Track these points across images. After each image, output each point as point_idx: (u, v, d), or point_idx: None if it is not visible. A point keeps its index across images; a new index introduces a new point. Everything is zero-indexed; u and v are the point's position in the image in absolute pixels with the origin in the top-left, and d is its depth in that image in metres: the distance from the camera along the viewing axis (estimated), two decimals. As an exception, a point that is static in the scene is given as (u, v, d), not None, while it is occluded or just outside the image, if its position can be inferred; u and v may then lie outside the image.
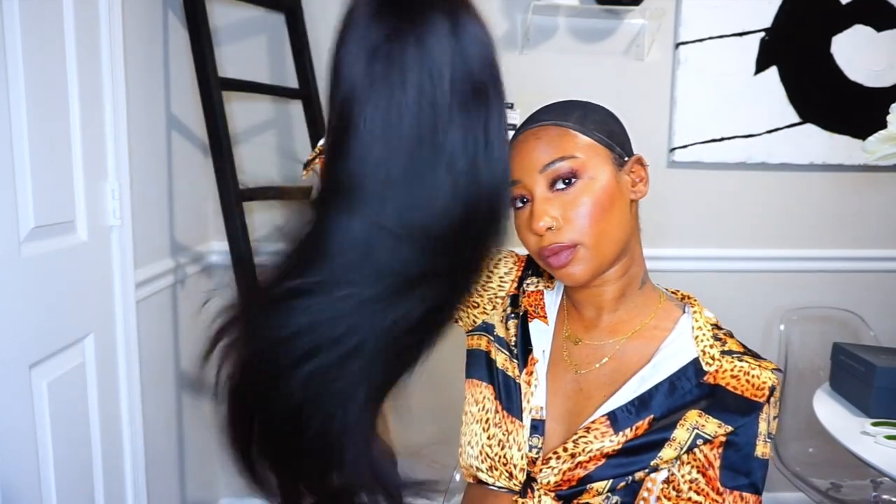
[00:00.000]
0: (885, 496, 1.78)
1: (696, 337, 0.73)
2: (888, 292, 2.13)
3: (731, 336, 0.74)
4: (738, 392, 0.68)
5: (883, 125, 1.03)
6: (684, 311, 0.77)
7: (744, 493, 0.67)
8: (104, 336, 1.29)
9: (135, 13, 1.45)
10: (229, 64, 1.88)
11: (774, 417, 0.68)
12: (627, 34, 1.96)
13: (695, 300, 0.79)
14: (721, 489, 0.67)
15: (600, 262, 0.71)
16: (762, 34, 1.96)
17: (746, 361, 0.70)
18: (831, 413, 1.49)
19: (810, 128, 2.00)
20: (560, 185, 0.71)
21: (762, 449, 0.67)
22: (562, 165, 0.70)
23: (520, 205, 0.74)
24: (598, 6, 1.87)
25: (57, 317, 1.11)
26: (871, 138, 1.04)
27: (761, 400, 0.67)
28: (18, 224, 1.00)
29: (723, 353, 0.71)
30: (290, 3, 1.81)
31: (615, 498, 0.69)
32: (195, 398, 1.87)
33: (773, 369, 0.69)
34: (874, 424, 1.40)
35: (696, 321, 0.74)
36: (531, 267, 0.87)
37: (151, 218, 1.55)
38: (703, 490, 0.67)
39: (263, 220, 1.98)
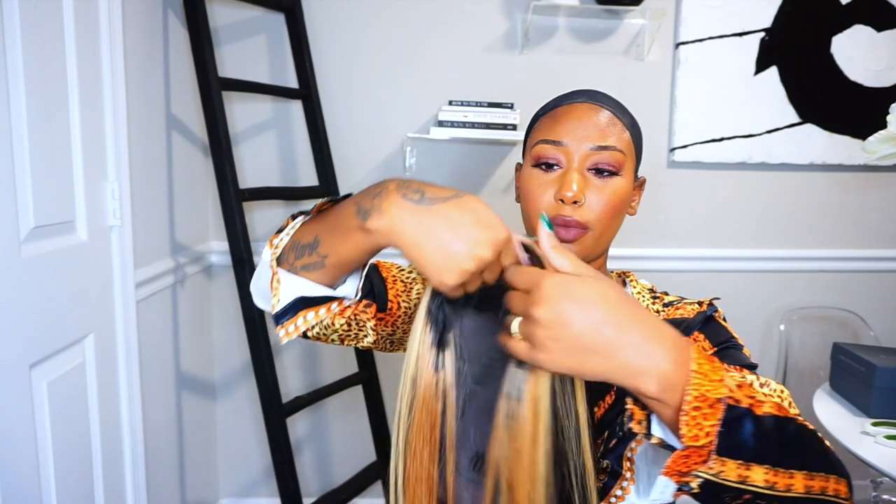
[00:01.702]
0: (885, 496, 1.78)
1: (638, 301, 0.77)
2: (888, 292, 2.13)
3: (667, 293, 0.79)
4: (688, 316, 0.74)
5: (883, 125, 1.03)
6: (625, 285, 0.81)
7: (730, 350, 0.69)
8: (104, 336, 1.29)
9: (135, 13, 1.45)
10: (229, 64, 1.88)
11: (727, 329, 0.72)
12: (627, 34, 1.96)
13: (630, 273, 0.84)
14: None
15: (592, 252, 0.74)
16: (762, 34, 1.96)
17: (687, 302, 0.76)
18: (831, 413, 1.49)
19: (810, 128, 2.00)
20: (598, 171, 0.72)
21: (730, 334, 0.71)
22: (614, 155, 0.72)
23: (545, 167, 0.73)
24: (598, 6, 1.87)
25: (57, 317, 1.11)
26: (871, 138, 1.04)
27: (707, 310, 0.73)
28: (18, 224, 1.00)
29: (664, 305, 0.77)
30: (289, 3, 1.81)
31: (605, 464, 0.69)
32: (195, 398, 1.87)
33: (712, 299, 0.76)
34: (874, 424, 1.40)
35: (634, 288, 0.80)
36: None
37: (151, 218, 1.55)
38: None
39: (263, 220, 1.98)
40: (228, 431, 2.05)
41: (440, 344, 0.59)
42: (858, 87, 1.99)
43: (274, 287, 0.67)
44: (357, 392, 1.95)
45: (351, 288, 0.69)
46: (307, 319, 0.68)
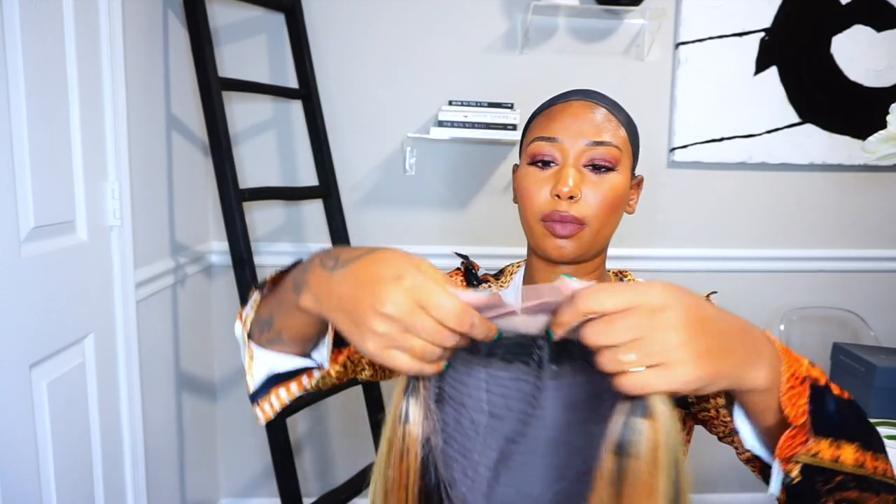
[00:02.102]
0: (885, 496, 1.78)
1: None
2: (888, 292, 2.13)
3: None
4: None
5: (883, 125, 1.03)
6: (623, 281, 0.82)
7: None
8: (104, 336, 1.29)
9: (135, 13, 1.45)
10: (229, 64, 1.88)
11: None
12: (627, 34, 1.96)
13: (628, 272, 0.84)
14: None
15: (590, 248, 0.73)
16: (762, 34, 1.96)
17: None
18: (831, 413, 1.49)
19: (810, 128, 2.00)
20: (594, 167, 0.72)
21: None
22: (610, 150, 0.71)
23: (541, 164, 0.73)
24: (598, 6, 1.87)
25: (57, 317, 1.11)
26: (871, 138, 1.04)
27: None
28: (18, 224, 1.00)
29: None
30: (289, 3, 1.81)
31: None
32: (195, 398, 1.87)
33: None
34: (874, 425, 1.40)
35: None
36: (471, 278, 0.86)
37: (151, 218, 1.55)
38: None
39: (263, 220, 1.98)
40: (228, 431, 2.05)
41: (412, 393, 0.51)
42: (858, 87, 1.99)
43: (248, 364, 0.65)
44: (357, 392, 1.95)
45: (324, 355, 0.66)
46: (280, 396, 0.65)
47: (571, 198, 0.70)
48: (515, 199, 0.79)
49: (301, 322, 0.58)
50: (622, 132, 0.74)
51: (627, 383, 0.42)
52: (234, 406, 2.04)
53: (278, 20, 1.88)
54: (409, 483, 0.50)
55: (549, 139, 0.73)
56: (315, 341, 0.65)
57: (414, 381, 0.50)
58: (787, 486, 0.48)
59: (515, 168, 0.81)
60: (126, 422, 1.37)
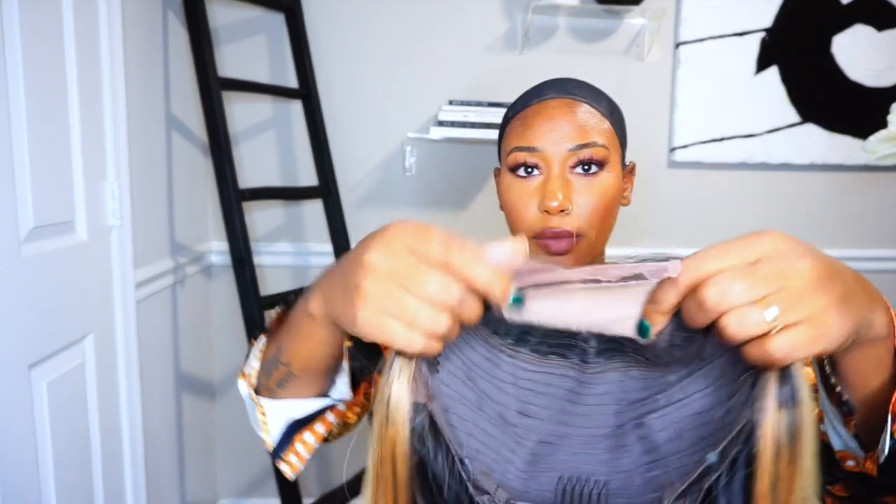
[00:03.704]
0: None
1: None
2: (888, 292, 2.12)
3: None
4: None
5: (883, 125, 1.03)
6: None
7: None
8: (104, 336, 1.29)
9: (134, 13, 1.45)
10: (229, 64, 1.88)
11: None
12: (627, 34, 1.96)
13: None
14: None
15: (589, 256, 0.69)
16: (762, 34, 1.96)
17: None
18: (831, 413, 1.49)
19: (811, 128, 2.00)
20: (580, 170, 0.67)
21: None
22: (596, 151, 0.66)
23: (524, 174, 0.68)
24: (598, 6, 1.87)
25: (57, 317, 1.11)
26: (871, 138, 1.04)
27: None
28: (18, 224, 1.00)
29: None
30: (289, 3, 1.81)
31: None
32: (195, 398, 1.87)
33: None
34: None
35: None
36: None
37: (151, 218, 1.55)
38: None
39: (263, 220, 1.98)
40: (228, 431, 2.05)
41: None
42: (859, 86, 1.99)
43: (262, 421, 0.59)
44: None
45: (343, 387, 0.60)
46: (306, 442, 0.60)
47: (562, 211, 0.65)
48: (502, 207, 0.74)
49: (313, 342, 0.51)
50: (606, 125, 0.69)
51: (772, 347, 0.34)
52: (234, 406, 2.04)
53: (278, 20, 1.88)
54: (395, 455, 0.42)
55: (528, 149, 0.67)
56: (331, 376, 0.59)
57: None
58: (891, 451, 0.42)
59: (497, 172, 0.76)
60: (126, 422, 1.37)
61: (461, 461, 0.41)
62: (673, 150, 2.00)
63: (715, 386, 0.41)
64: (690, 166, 2.04)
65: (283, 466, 0.60)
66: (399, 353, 0.41)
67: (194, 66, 1.59)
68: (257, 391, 0.60)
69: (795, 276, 0.35)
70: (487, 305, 0.40)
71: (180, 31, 1.72)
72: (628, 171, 0.75)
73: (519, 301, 0.39)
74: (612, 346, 0.43)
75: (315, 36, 1.89)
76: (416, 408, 0.40)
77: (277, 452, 0.60)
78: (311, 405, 0.59)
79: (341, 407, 0.61)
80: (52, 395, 1.09)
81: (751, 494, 0.36)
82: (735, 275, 0.35)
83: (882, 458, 0.44)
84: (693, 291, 0.37)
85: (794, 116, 2.00)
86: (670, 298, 0.37)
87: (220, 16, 1.86)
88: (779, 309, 0.34)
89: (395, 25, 1.91)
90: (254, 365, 0.61)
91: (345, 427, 0.66)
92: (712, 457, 0.38)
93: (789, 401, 0.35)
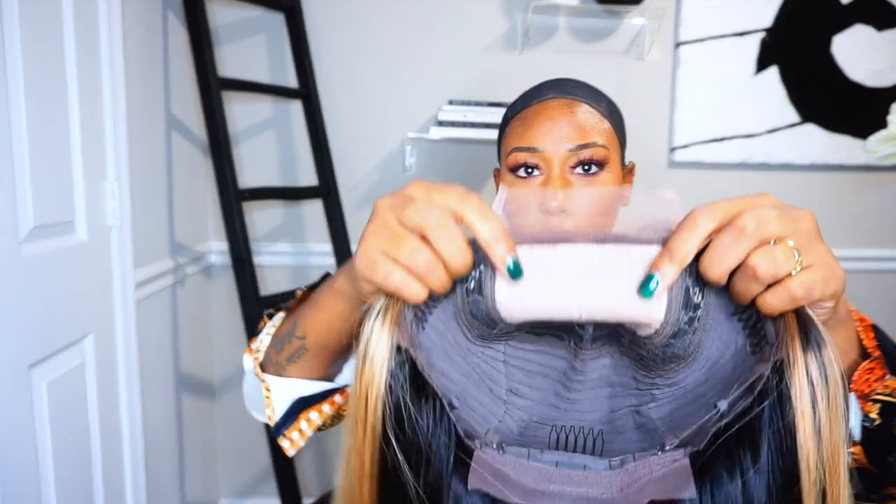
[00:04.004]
0: (885, 496, 1.78)
1: None
2: (888, 292, 2.13)
3: None
4: None
5: (883, 125, 1.03)
6: None
7: None
8: (104, 336, 1.29)
9: (134, 13, 1.45)
10: (229, 64, 1.88)
11: None
12: (627, 34, 1.96)
13: None
14: None
15: None
16: (762, 34, 1.96)
17: None
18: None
19: (811, 128, 2.00)
20: (581, 170, 0.67)
21: None
22: (596, 151, 0.67)
23: (524, 174, 0.68)
24: (598, 6, 1.87)
25: (57, 317, 1.11)
26: (871, 138, 1.04)
27: None
28: (18, 224, 1.00)
29: None
30: (289, 3, 1.81)
31: None
32: (195, 398, 1.87)
33: None
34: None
35: None
36: None
37: (151, 218, 1.55)
38: None
39: (263, 220, 1.98)
40: (228, 431, 2.05)
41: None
42: (859, 86, 1.99)
43: (266, 397, 0.59)
44: (357, 392, 1.94)
45: (350, 373, 0.59)
46: (311, 420, 0.60)
47: (563, 211, 0.65)
48: None
49: (332, 315, 0.51)
50: (606, 125, 0.69)
51: (795, 286, 0.35)
52: (234, 406, 2.04)
53: (278, 20, 1.88)
54: (369, 394, 0.38)
55: (528, 149, 0.67)
56: (340, 360, 0.59)
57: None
58: (865, 431, 0.43)
59: (497, 172, 0.76)
60: (126, 422, 1.37)
61: (450, 405, 0.39)
62: (673, 150, 2.00)
63: (711, 361, 0.40)
64: (690, 166, 2.04)
65: (284, 443, 0.61)
66: (387, 296, 0.40)
67: (194, 66, 1.59)
68: (263, 368, 0.60)
69: (803, 223, 0.36)
70: (478, 305, 0.40)
71: (180, 31, 1.72)
72: (627, 171, 0.76)
73: (518, 272, 0.38)
74: (608, 333, 0.42)
75: (315, 36, 1.89)
76: (398, 350, 0.38)
77: (280, 428, 0.60)
78: (319, 386, 0.59)
79: (349, 390, 0.61)
80: (52, 395, 1.09)
81: (786, 441, 0.35)
82: (750, 215, 0.35)
83: (857, 436, 0.45)
84: (718, 231, 0.36)
85: (794, 116, 2.00)
86: (688, 244, 0.36)
87: (220, 16, 1.86)
88: (798, 249, 0.35)
89: (395, 25, 1.91)
90: (264, 340, 0.61)
91: (338, 417, 0.66)
92: (723, 404, 0.38)
93: (815, 343, 0.35)
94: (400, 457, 0.38)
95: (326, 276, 0.59)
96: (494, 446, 0.39)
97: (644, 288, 0.37)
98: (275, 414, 0.60)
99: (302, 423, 0.60)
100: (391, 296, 0.39)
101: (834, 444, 0.34)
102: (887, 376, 0.43)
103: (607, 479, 0.38)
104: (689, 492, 0.35)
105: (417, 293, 0.38)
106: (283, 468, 1.64)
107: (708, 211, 0.36)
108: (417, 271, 0.38)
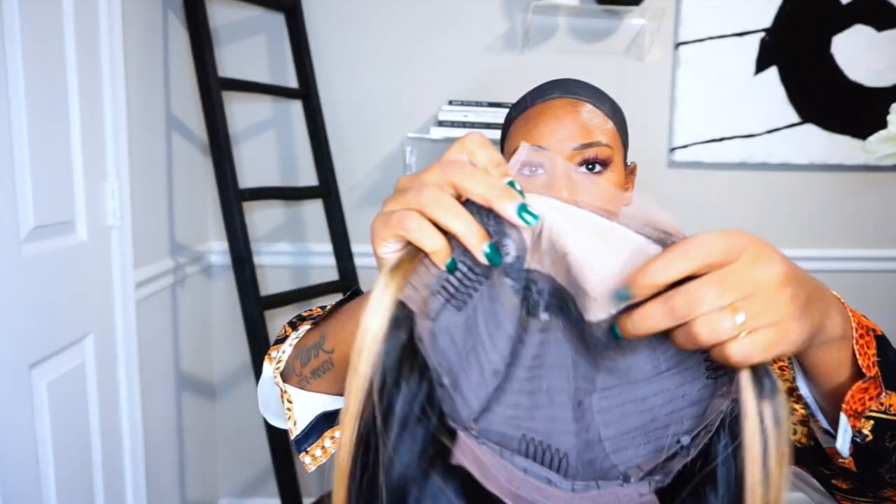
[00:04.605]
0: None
1: None
2: (888, 292, 2.13)
3: None
4: None
5: (883, 125, 1.03)
6: None
7: None
8: (104, 336, 1.29)
9: (134, 13, 1.45)
10: (229, 64, 1.88)
11: None
12: (627, 34, 1.96)
13: None
14: None
15: None
16: (762, 34, 1.96)
17: None
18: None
19: (810, 128, 2.00)
20: (585, 169, 0.68)
21: None
22: (600, 150, 0.67)
23: (528, 173, 0.67)
24: (598, 6, 1.87)
25: (57, 317, 1.11)
26: (871, 138, 1.04)
27: None
28: (18, 224, 1.00)
29: None
30: (289, 3, 1.81)
31: None
32: (195, 398, 1.87)
33: None
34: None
35: None
36: None
37: (151, 218, 1.55)
38: None
39: (263, 220, 1.98)
40: (228, 431, 2.05)
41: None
42: (859, 86, 1.99)
43: (287, 408, 0.58)
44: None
45: None
46: (336, 439, 0.58)
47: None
48: None
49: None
50: (609, 125, 0.69)
51: (732, 350, 0.35)
52: (234, 406, 2.04)
53: (278, 20, 1.88)
54: (363, 348, 0.37)
55: (532, 147, 0.67)
56: None
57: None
58: (856, 447, 0.44)
59: None
60: (126, 422, 1.37)
61: (439, 382, 0.38)
62: (673, 150, 2.00)
63: (661, 375, 0.40)
64: (690, 166, 2.04)
65: (306, 459, 0.59)
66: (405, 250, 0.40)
67: (194, 66, 1.59)
68: (284, 378, 0.60)
69: (764, 283, 0.36)
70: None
71: (180, 31, 1.72)
72: (629, 171, 0.76)
73: (529, 215, 0.39)
74: (559, 304, 0.42)
75: (315, 36, 1.89)
76: (401, 307, 0.37)
77: (302, 444, 0.59)
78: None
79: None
80: (52, 395, 1.09)
81: (738, 482, 0.36)
82: (705, 283, 0.35)
83: (845, 454, 0.45)
84: (659, 296, 0.36)
85: (793, 116, 2.00)
86: (662, 278, 0.36)
87: (220, 16, 1.86)
88: (746, 315, 0.35)
89: (395, 25, 1.91)
90: (287, 351, 0.60)
91: None
92: (685, 439, 0.38)
93: (769, 391, 0.36)
94: (379, 420, 0.37)
95: (355, 293, 0.58)
96: (474, 433, 0.39)
97: (617, 294, 0.37)
98: (296, 428, 0.58)
99: (326, 441, 0.59)
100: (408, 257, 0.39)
101: (776, 490, 0.35)
102: (883, 394, 0.44)
103: (569, 500, 0.38)
104: None
105: (434, 237, 0.38)
106: (283, 468, 1.64)
107: (667, 266, 0.36)
108: (437, 215, 0.38)
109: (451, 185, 0.38)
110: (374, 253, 0.40)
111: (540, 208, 0.40)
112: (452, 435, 0.38)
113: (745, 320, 0.35)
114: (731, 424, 0.36)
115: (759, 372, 0.36)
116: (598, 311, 0.39)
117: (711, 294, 0.35)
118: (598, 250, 0.39)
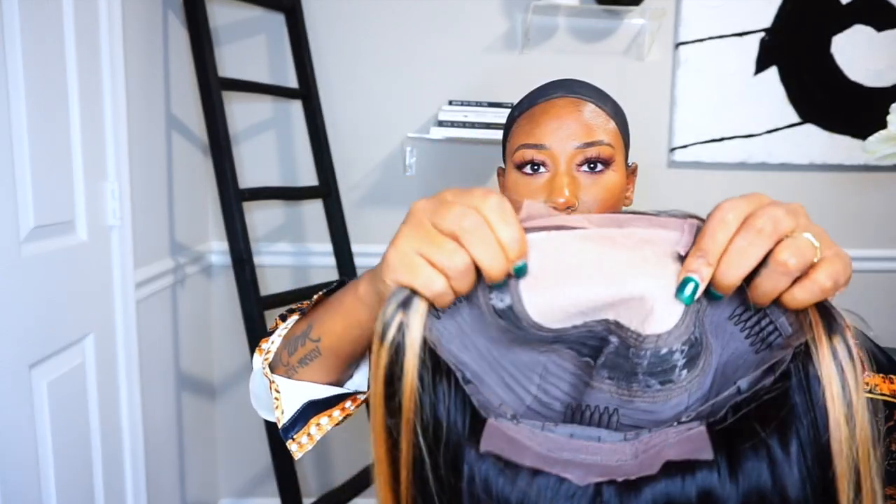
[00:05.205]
0: (885, 496, 1.78)
1: None
2: (888, 292, 2.13)
3: None
4: None
5: (883, 125, 1.03)
6: None
7: None
8: (104, 336, 1.29)
9: (135, 13, 1.45)
10: (229, 64, 1.88)
11: None
12: (627, 34, 1.96)
13: None
14: None
15: None
16: (762, 34, 1.96)
17: None
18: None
19: (810, 128, 2.00)
20: (587, 168, 0.68)
21: None
22: (602, 149, 0.68)
23: (530, 171, 0.69)
24: (598, 6, 1.87)
25: (57, 317, 1.11)
26: (871, 138, 1.04)
27: None
28: (18, 224, 1.00)
29: None
30: (289, 3, 1.81)
31: None
32: (195, 398, 1.87)
33: None
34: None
35: None
36: None
37: (151, 218, 1.55)
38: None
39: (263, 220, 1.98)
40: (228, 431, 2.05)
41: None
42: (859, 86, 1.99)
43: (274, 397, 0.59)
44: (357, 392, 1.94)
45: (361, 379, 0.61)
46: (321, 426, 0.60)
47: (569, 207, 0.66)
48: None
49: (349, 321, 0.52)
50: (611, 125, 0.70)
51: (821, 277, 0.35)
52: (234, 406, 2.04)
53: (278, 20, 1.88)
54: (406, 391, 0.36)
55: (535, 146, 0.68)
56: (352, 366, 0.59)
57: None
58: None
59: (500, 171, 0.77)
60: (126, 422, 1.37)
61: (464, 379, 0.38)
62: (673, 150, 2.00)
63: (713, 367, 0.40)
64: (690, 166, 2.04)
65: (292, 447, 0.60)
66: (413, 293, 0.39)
67: (194, 66, 1.59)
68: (272, 369, 0.60)
69: (803, 216, 0.36)
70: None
71: (180, 31, 1.72)
72: (630, 171, 0.77)
73: (522, 270, 0.38)
74: (617, 363, 0.40)
75: (315, 36, 1.89)
76: (423, 342, 0.38)
77: (289, 431, 0.59)
78: (330, 391, 0.59)
79: (361, 397, 0.61)
80: (53, 395, 1.09)
81: (815, 426, 0.36)
82: (772, 207, 0.35)
83: None
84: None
85: (793, 116, 2.00)
86: (720, 245, 0.35)
87: (220, 16, 1.86)
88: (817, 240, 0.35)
89: (395, 25, 1.91)
90: (276, 342, 0.61)
91: (341, 421, 0.66)
92: (742, 383, 0.38)
93: (839, 327, 0.35)
94: (420, 436, 0.37)
95: (342, 283, 0.58)
96: (509, 417, 0.39)
97: (680, 292, 0.35)
98: (284, 416, 0.59)
99: (312, 429, 0.60)
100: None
101: (863, 427, 0.34)
102: (866, 371, 0.44)
103: (622, 448, 0.38)
104: (707, 454, 0.35)
105: (446, 293, 0.37)
106: (283, 468, 1.64)
107: (732, 208, 0.35)
108: (450, 273, 0.37)
109: (453, 237, 0.37)
110: (403, 284, 0.39)
111: (549, 256, 0.39)
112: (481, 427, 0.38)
113: (818, 245, 0.36)
114: (802, 367, 0.36)
115: (826, 308, 0.36)
116: (666, 316, 0.37)
117: (780, 213, 0.35)
118: (631, 260, 0.38)
